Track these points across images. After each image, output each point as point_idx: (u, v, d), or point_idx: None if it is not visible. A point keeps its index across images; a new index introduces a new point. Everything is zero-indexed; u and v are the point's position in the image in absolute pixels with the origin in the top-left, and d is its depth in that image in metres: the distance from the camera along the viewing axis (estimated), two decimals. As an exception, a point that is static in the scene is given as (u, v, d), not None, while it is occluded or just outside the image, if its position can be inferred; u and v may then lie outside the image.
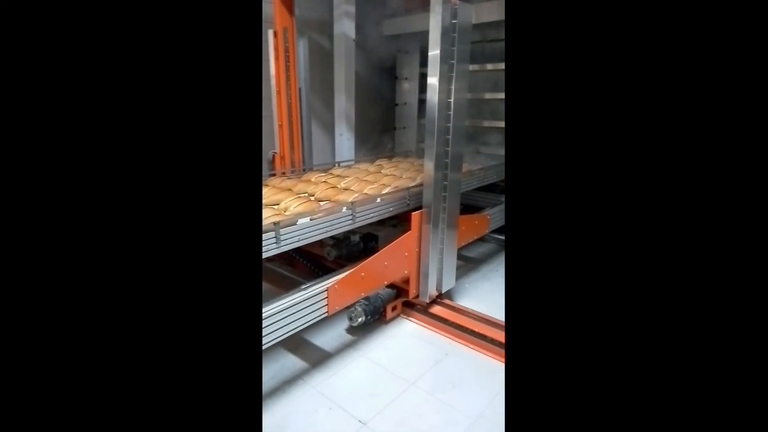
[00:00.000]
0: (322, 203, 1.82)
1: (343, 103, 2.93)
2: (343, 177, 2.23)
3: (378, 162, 2.68)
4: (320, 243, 2.22)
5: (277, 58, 2.67)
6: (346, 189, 2.00)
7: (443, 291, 2.10)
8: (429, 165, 1.88)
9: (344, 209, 1.77)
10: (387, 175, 2.29)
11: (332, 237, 2.16)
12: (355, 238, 2.26)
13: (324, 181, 2.13)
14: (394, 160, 2.75)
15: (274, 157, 2.93)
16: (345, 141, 3.00)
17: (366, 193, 1.98)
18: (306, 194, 1.94)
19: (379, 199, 1.93)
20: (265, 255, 1.49)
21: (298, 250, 2.45)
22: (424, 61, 2.97)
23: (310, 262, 2.47)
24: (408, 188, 2.07)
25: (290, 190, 2.00)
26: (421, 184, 2.00)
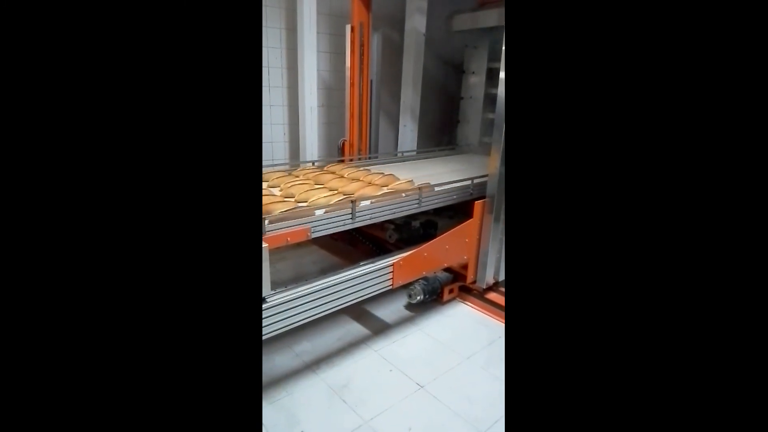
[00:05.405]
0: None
1: (410, 96, 3.05)
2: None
3: (363, 164, 2.48)
4: (382, 226, 2.39)
5: (353, 51, 2.86)
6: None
7: (500, 279, 2.18)
8: (495, 157, 1.97)
9: (405, 194, 1.90)
10: (355, 180, 2.00)
11: (392, 221, 2.30)
12: (416, 223, 2.40)
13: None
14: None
15: (343, 144, 3.14)
16: (408, 132, 3.12)
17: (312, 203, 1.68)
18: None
19: (444, 187, 2.05)
20: (341, 229, 1.67)
21: (361, 231, 2.64)
22: (491, 56, 3.01)
23: (372, 243, 2.66)
24: (472, 178, 2.16)
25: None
26: (485, 175, 2.09)
